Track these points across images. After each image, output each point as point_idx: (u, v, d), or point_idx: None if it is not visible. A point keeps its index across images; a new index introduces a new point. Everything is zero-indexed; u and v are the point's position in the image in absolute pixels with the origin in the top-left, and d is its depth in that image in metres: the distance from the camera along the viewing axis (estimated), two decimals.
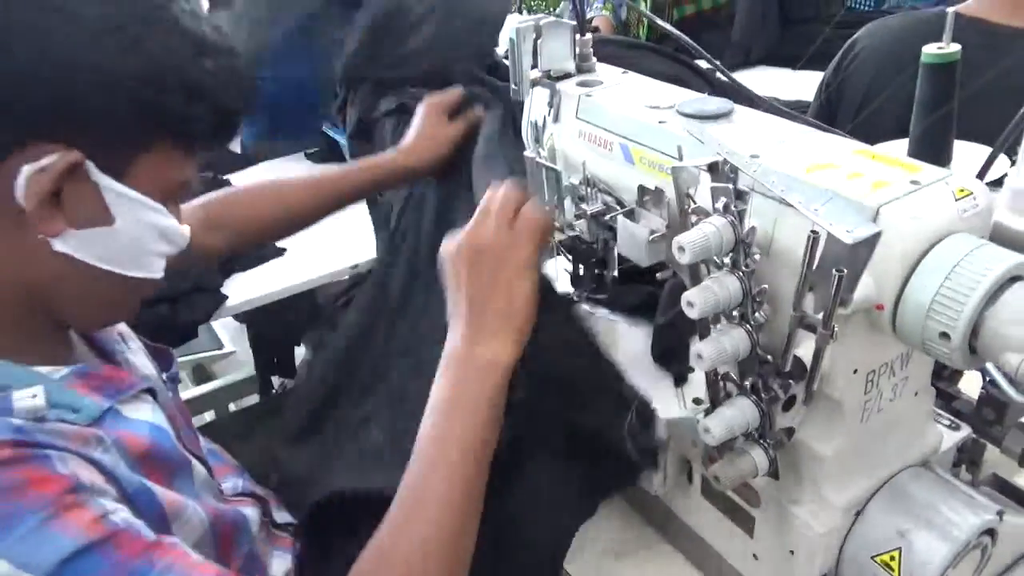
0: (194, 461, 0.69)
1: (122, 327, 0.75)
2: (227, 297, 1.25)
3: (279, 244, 1.40)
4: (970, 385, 0.73)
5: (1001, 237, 0.54)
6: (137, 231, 0.60)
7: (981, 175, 0.63)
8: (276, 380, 1.72)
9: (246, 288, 1.30)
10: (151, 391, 0.68)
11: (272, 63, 1.83)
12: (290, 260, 1.38)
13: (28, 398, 0.56)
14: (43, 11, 0.53)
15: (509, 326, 0.65)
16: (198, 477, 0.68)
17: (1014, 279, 0.48)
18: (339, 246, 1.42)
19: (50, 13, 0.53)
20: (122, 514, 0.54)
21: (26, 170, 0.53)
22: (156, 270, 0.63)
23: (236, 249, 1.01)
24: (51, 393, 0.57)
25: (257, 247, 1.29)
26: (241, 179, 1.62)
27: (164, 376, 0.75)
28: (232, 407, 1.56)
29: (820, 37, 1.66)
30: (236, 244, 0.98)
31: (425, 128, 1.04)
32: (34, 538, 0.49)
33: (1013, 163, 0.65)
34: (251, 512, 0.74)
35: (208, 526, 0.64)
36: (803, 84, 1.79)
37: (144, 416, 0.65)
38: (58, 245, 0.57)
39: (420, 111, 1.06)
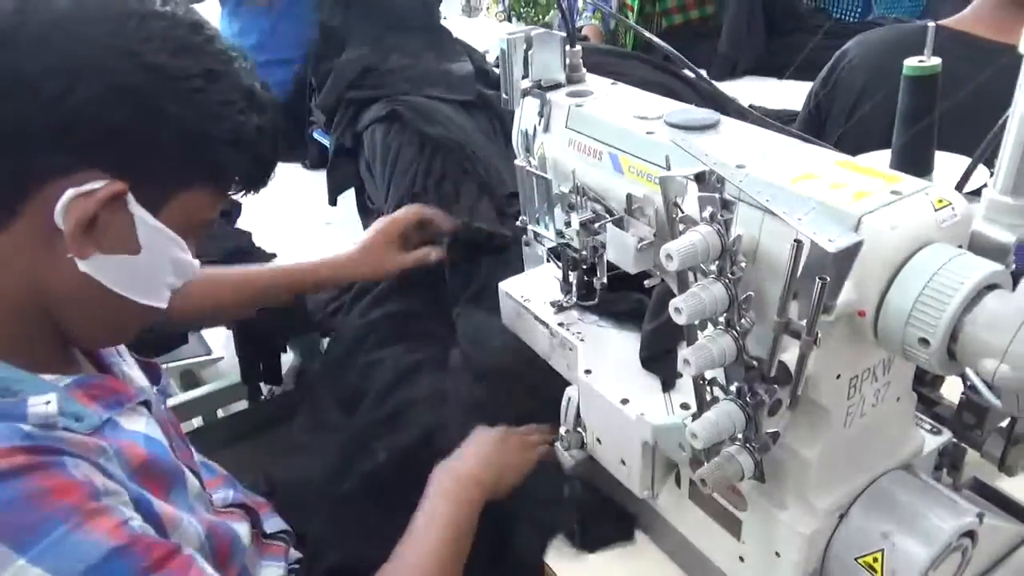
0: (187, 472, 0.69)
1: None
2: None
3: (268, 249, 1.40)
4: (951, 391, 0.74)
5: (979, 246, 0.56)
6: (158, 262, 0.62)
7: (960, 186, 0.65)
8: (265, 387, 1.72)
9: None
10: (146, 403, 0.69)
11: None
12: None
13: (42, 404, 0.57)
14: (114, 53, 0.55)
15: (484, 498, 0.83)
16: (192, 489, 0.69)
17: (991, 287, 0.49)
18: (330, 251, 1.43)
19: (123, 56, 0.55)
20: (136, 521, 0.56)
21: (70, 193, 0.55)
22: (164, 300, 0.65)
23: (157, 326, 1.04)
24: (60, 400, 0.59)
25: (185, 328, 1.29)
26: None
27: (155, 389, 0.76)
28: (220, 413, 1.56)
29: (807, 47, 1.68)
30: (162, 322, 1.00)
31: (371, 248, 1.07)
32: (62, 546, 0.50)
33: (992, 174, 0.67)
34: (242, 527, 0.74)
35: (204, 539, 0.65)
36: (789, 94, 1.81)
37: (139, 427, 0.66)
38: (83, 266, 0.58)
39: (375, 226, 1.09)
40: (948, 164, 0.83)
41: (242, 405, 1.61)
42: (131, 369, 0.74)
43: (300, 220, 1.56)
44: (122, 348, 0.76)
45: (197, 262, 0.67)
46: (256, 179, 0.67)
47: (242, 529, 0.73)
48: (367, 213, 1.42)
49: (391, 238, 1.07)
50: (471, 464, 0.84)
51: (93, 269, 0.59)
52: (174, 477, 0.67)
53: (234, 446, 1.41)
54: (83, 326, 0.64)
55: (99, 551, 0.51)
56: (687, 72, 1.29)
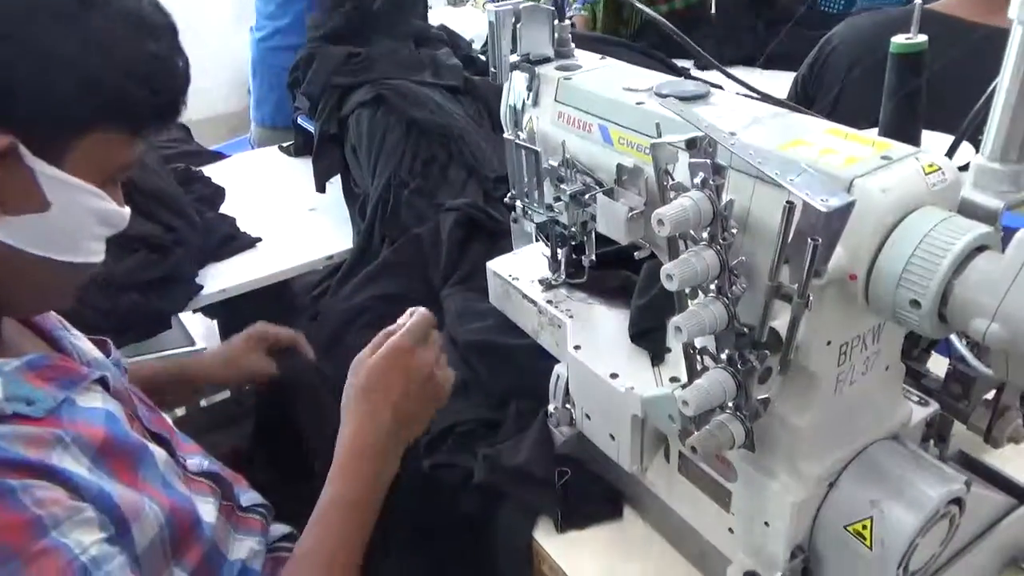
0: (151, 445, 0.67)
1: (56, 315, 0.73)
2: (202, 287, 1.24)
3: (253, 234, 1.39)
4: (938, 366, 0.75)
5: (968, 212, 0.56)
6: (74, 216, 0.58)
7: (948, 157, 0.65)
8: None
9: (220, 279, 1.28)
10: (102, 379, 0.66)
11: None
12: (264, 251, 1.38)
13: None
14: None
15: (409, 441, 0.77)
16: (159, 459, 0.67)
17: (980, 248, 0.50)
18: (314, 237, 1.42)
19: None
20: (93, 550, 0.53)
21: None
22: (94, 254, 0.61)
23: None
24: (6, 385, 0.56)
25: None
26: (213, 172, 1.60)
27: (102, 367, 0.73)
28: (204, 403, 1.55)
29: (780, 34, 1.69)
30: None
31: (234, 351, 1.02)
32: None
33: (978, 151, 0.67)
34: (207, 507, 0.72)
35: (164, 522, 0.63)
36: (771, 84, 1.82)
37: (96, 404, 0.63)
38: None
39: (245, 333, 1.05)
40: (934, 142, 0.83)
41: (225, 395, 1.60)
42: (80, 340, 0.71)
43: (284, 206, 1.55)
44: (66, 322, 0.73)
45: (127, 210, 0.63)
46: (162, 112, 0.60)
47: (207, 508, 0.71)
48: (352, 198, 1.41)
49: (262, 342, 1.03)
50: (371, 437, 0.73)
51: (2, 234, 0.55)
52: (139, 454, 0.64)
53: (216, 434, 1.40)
54: (11, 294, 0.60)
55: None
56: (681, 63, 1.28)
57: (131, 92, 0.57)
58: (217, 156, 1.81)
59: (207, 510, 0.71)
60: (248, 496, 0.81)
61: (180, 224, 1.23)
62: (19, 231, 0.56)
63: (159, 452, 0.68)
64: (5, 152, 0.53)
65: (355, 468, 0.72)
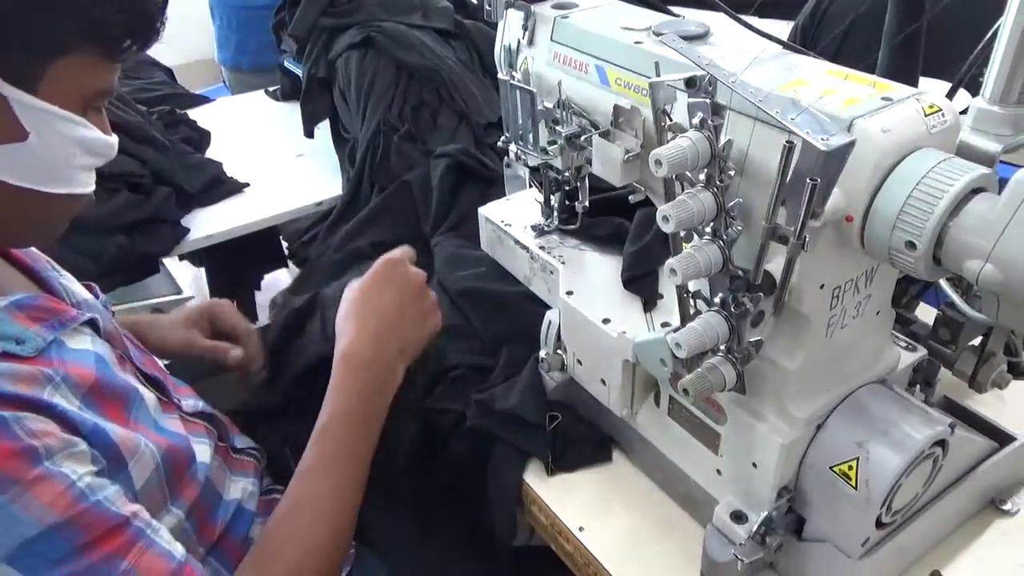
0: (142, 388, 0.67)
1: (47, 257, 0.72)
2: (188, 230, 1.22)
3: (241, 179, 1.37)
4: (927, 316, 0.76)
5: (966, 155, 0.55)
6: (54, 145, 0.57)
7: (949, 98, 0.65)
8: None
9: (207, 224, 1.27)
10: (92, 321, 0.66)
11: None
12: (252, 197, 1.36)
13: None
14: None
15: (412, 353, 0.77)
16: (150, 402, 0.67)
17: (977, 190, 0.50)
18: (302, 183, 1.40)
19: None
20: (87, 478, 0.53)
21: None
22: (82, 184, 0.60)
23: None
24: None
25: None
26: (198, 116, 1.57)
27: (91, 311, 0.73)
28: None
29: None
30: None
31: (178, 324, 0.92)
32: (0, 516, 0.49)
33: (975, 96, 0.67)
34: (203, 447, 0.72)
35: (160, 460, 0.63)
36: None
37: (86, 346, 0.63)
38: None
39: (200, 305, 0.96)
40: (932, 89, 0.82)
41: None
42: (70, 282, 0.71)
43: (272, 151, 1.52)
44: (55, 263, 0.72)
45: (113, 138, 0.61)
46: (138, 31, 0.59)
47: (202, 449, 0.71)
48: (341, 143, 1.38)
49: (202, 322, 0.93)
50: (363, 347, 0.73)
51: None
52: (129, 396, 0.64)
53: (204, 382, 1.40)
54: (2, 231, 0.59)
55: (36, 527, 0.50)
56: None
57: (102, 12, 0.55)
58: (202, 100, 1.78)
59: (202, 450, 0.71)
60: (242, 439, 0.82)
61: (152, 155, 1.20)
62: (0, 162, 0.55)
63: (149, 395, 0.67)
64: None
65: (351, 382, 0.72)
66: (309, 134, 1.46)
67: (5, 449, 0.50)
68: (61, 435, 0.54)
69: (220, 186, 1.33)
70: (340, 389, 0.72)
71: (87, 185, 0.61)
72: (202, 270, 1.76)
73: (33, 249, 0.70)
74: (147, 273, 1.20)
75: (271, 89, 1.75)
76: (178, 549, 0.58)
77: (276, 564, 0.65)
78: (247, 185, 1.36)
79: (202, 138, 1.46)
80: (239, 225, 1.27)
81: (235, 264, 1.61)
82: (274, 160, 1.48)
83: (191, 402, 0.76)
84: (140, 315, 1.00)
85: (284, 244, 1.51)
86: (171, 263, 1.39)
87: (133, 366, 0.69)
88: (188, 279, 1.95)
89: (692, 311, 0.63)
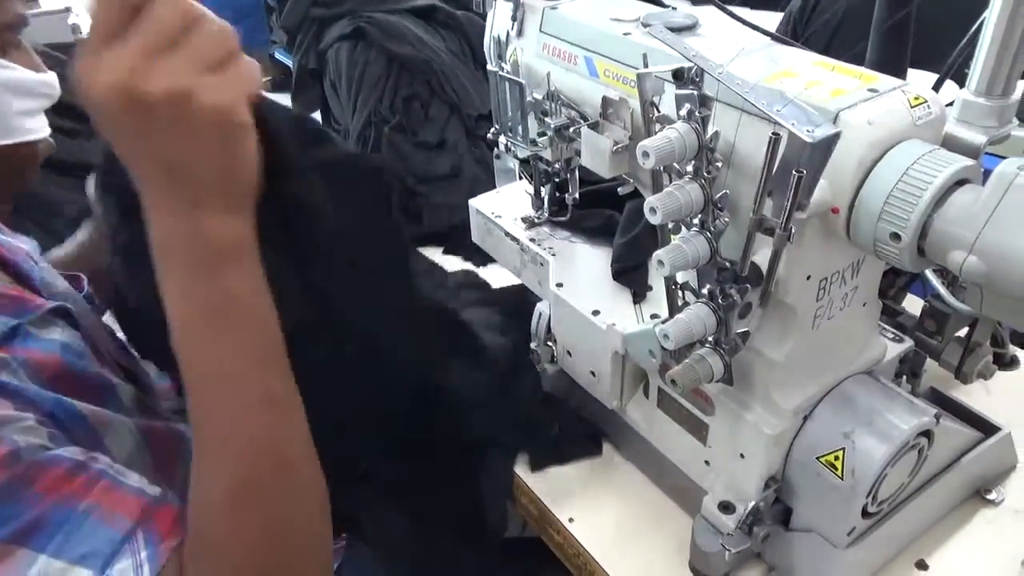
0: (118, 381, 0.64)
1: (30, 249, 0.70)
2: None
3: None
4: (913, 307, 0.76)
5: (951, 147, 0.56)
6: None
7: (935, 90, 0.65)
8: None
9: None
10: (63, 311, 0.63)
11: None
12: None
13: None
14: None
15: (241, 194, 0.48)
16: (125, 396, 0.64)
17: (961, 182, 0.50)
18: None
19: None
20: (35, 441, 0.49)
21: None
22: (30, 131, 0.57)
23: None
24: None
25: None
26: None
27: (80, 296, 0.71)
28: None
29: None
30: None
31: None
32: None
33: (962, 87, 0.67)
34: (187, 429, 0.70)
35: (140, 438, 0.61)
36: (754, 21, 1.80)
37: (54, 336, 0.60)
38: None
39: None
40: (918, 80, 0.83)
41: None
42: (50, 275, 0.68)
43: None
44: (39, 257, 0.70)
45: (47, 75, 0.58)
46: None
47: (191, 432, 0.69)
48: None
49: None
50: (197, 214, 0.47)
51: None
52: (102, 388, 0.61)
53: None
54: None
55: None
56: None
57: None
58: None
59: (190, 435, 0.70)
60: None
61: None
62: None
63: (126, 388, 0.65)
64: None
65: (166, 276, 0.48)
66: None
67: None
68: (11, 412, 0.50)
69: None
70: (164, 286, 0.48)
71: (37, 131, 0.58)
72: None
73: (16, 242, 0.69)
74: None
75: (262, 80, 1.75)
76: (154, 489, 0.51)
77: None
78: None
79: None
80: None
81: None
82: None
83: (170, 403, 0.75)
84: None
85: None
86: None
87: (106, 363, 0.67)
88: None
89: (680, 303, 0.63)
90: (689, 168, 0.56)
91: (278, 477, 0.49)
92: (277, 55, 1.54)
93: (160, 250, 0.47)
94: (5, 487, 0.47)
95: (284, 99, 1.53)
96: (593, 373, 0.79)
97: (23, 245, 0.70)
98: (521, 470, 0.82)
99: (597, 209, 0.89)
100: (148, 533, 0.49)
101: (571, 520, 0.76)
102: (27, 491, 0.47)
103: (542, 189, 0.88)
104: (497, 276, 1.07)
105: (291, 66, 1.44)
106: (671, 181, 0.57)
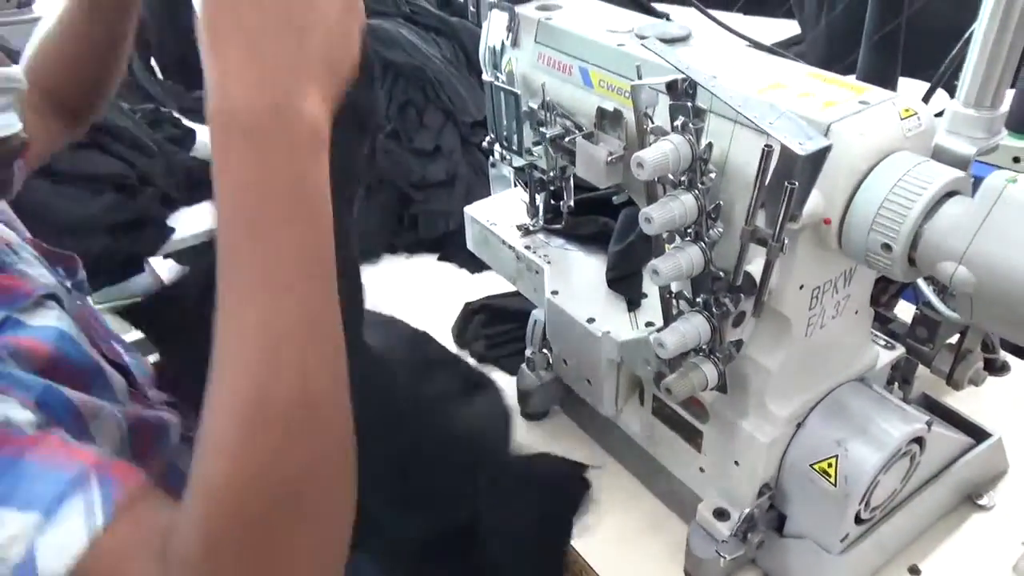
0: (109, 369, 0.63)
1: (11, 237, 0.68)
2: (173, 230, 1.22)
3: None
4: (905, 314, 0.77)
5: (941, 158, 0.56)
6: None
7: (925, 101, 0.66)
8: None
9: (193, 222, 1.27)
10: (54, 297, 0.61)
11: None
12: None
13: None
14: None
15: (330, 73, 0.43)
16: (116, 384, 0.63)
17: (951, 193, 0.51)
18: None
19: None
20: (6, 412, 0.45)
21: None
22: (2, 128, 0.55)
23: (82, 120, 0.84)
24: None
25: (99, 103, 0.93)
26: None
27: (69, 284, 0.70)
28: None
29: None
30: (79, 113, 0.83)
31: None
32: None
33: (953, 97, 0.68)
34: (172, 420, 0.68)
35: (126, 430, 0.59)
36: (751, 28, 1.81)
37: (49, 322, 0.58)
38: None
39: None
40: (910, 88, 0.84)
41: None
42: (30, 267, 0.66)
43: None
44: (18, 243, 0.68)
45: (13, 69, 0.56)
46: None
47: (173, 422, 0.66)
48: None
49: None
50: (232, 93, 0.41)
51: None
52: (91, 373, 0.59)
53: None
54: None
55: None
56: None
57: None
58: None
59: (172, 425, 0.67)
60: None
61: (139, 159, 1.19)
62: None
63: (117, 378, 0.64)
64: None
65: (233, 154, 0.41)
66: None
67: None
68: None
69: (205, 185, 1.32)
70: (222, 169, 0.41)
71: (6, 127, 0.56)
72: (187, 269, 1.75)
73: None
74: (132, 273, 1.20)
75: None
76: (108, 451, 0.48)
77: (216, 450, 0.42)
78: None
79: (186, 136, 1.45)
80: None
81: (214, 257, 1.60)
82: None
83: (155, 392, 0.74)
84: None
85: None
86: (156, 261, 1.38)
87: (99, 350, 0.67)
88: (173, 276, 1.95)
89: (675, 311, 0.64)
90: (683, 178, 0.57)
91: (301, 408, 0.41)
92: None
93: (229, 126, 0.40)
94: None
95: None
96: (588, 381, 0.80)
97: (4, 237, 0.68)
98: None
99: (592, 217, 0.89)
100: (103, 476, 0.43)
101: None
102: None
103: (537, 197, 0.88)
104: (492, 283, 1.07)
105: None
106: (665, 191, 0.58)
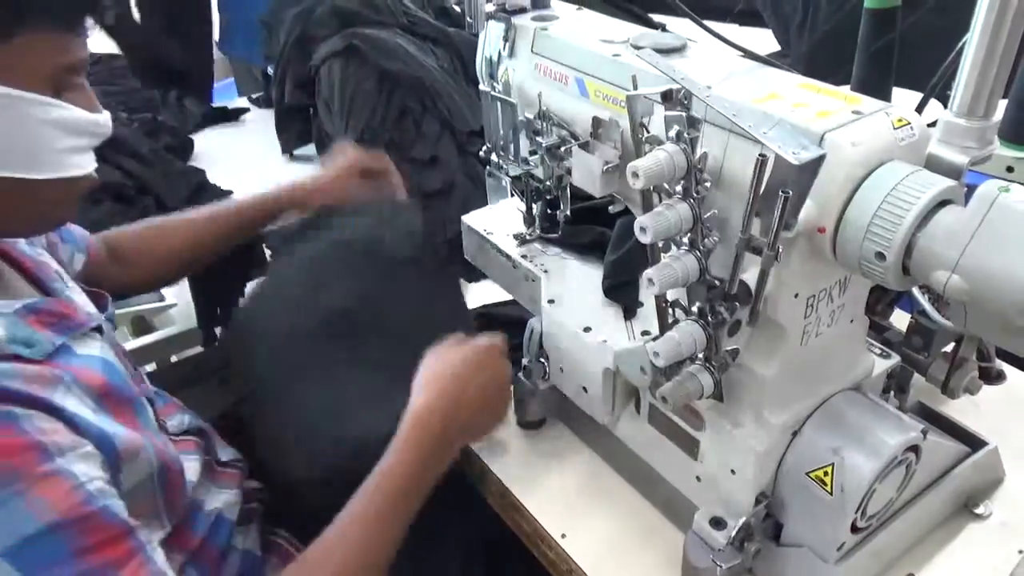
0: (143, 399, 0.67)
1: (57, 267, 0.72)
2: None
3: (224, 187, 1.36)
4: (900, 322, 0.77)
5: (934, 168, 0.57)
6: (28, 129, 0.56)
7: (918, 111, 0.66)
8: (219, 331, 1.69)
9: None
10: (99, 329, 0.66)
11: None
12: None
13: None
14: None
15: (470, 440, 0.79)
16: (149, 415, 0.67)
17: (944, 202, 0.51)
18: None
19: None
20: (97, 483, 0.53)
21: None
22: (75, 167, 0.59)
23: (136, 285, 0.98)
24: (7, 326, 0.55)
25: (155, 285, 1.15)
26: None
27: (102, 316, 0.73)
28: (174, 359, 1.53)
29: None
30: (138, 278, 0.96)
31: (324, 174, 0.99)
32: (3, 508, 0.48)
33: (946, 107, 0.68)
34: (192, 463, 0.72)
35: (156, 468, 0.63)
36: (745, 39, 1.82)
37: (94, 352, 0.63)
38: None
39: (339, 153, 1.01)
40: (904, 99, 0.84)
41: (196, 351, 1.59)
42: (76, 295, 0.71)
43: (256, 158, 1.52)
44: (65, 276, 0.73)
45: (101, 115, 0.60)
46: (81, 2, 0.57)
47: (191, 466, 0.71)
48: (324, 149, 1.39)
49: (346, 168, 0.99)
50: (435, 417, 0.70)
51: None
52: (136, 403, 0.64)
53: (188, 389, 1.39)
54: (1, 223, 0.59)
55: (36, 524, 0.48)
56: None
57: None
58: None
59: (191, 467, 0.71)
60: (226, 451, 0.82)
61: (137, 168, 1.20)
62: None
63: (147, 408, 0.68)
64: None
65: (415, 444, 0.69)
66: (287, 151, 1.47)
67: (15, 444, 0.50)
68: (70, 436, 0.53)
69: (203, 194, 1.32)
70: (403, 447, 0.69)
71: (82, 167, 0.60)
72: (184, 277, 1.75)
73: (42, 259, 0.71)
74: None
75: (254, 96, 1.75)
76: (171, 574, 0.57)
77: None
78: (230, 192, 1.35)
79: (184, 146, 1.46)
80: None
81: (219, 272, 1.60)
82: (257, 167, 1.48)
83: (176, 420, 0.76)
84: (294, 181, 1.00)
85: (267, 252, 1.50)
86: None
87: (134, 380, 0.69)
88: (172, 288, 1.94)
89: (671, 320, 0.64)
90: (678, 188, 0.57)
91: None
92: (270, 71, 1.55)
93: (420, 428, 0.70)
94: (66, 526, 0.49)
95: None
96: (585, 389, 0.80)
97: (52, 263, 0.71)
98: (512, 485, 0.82)
99: (588, 226, 0.89)
100: None
101: (563, 536, 0.76)
102: (81, 541, 0.50)
103: (533, 206, 0.89)
104: (489, 292, 1.07)
105: None
106: (661, 200, 0.58)
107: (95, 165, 0.62)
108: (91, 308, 0.72)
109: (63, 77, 0.58)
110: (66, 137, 0.58)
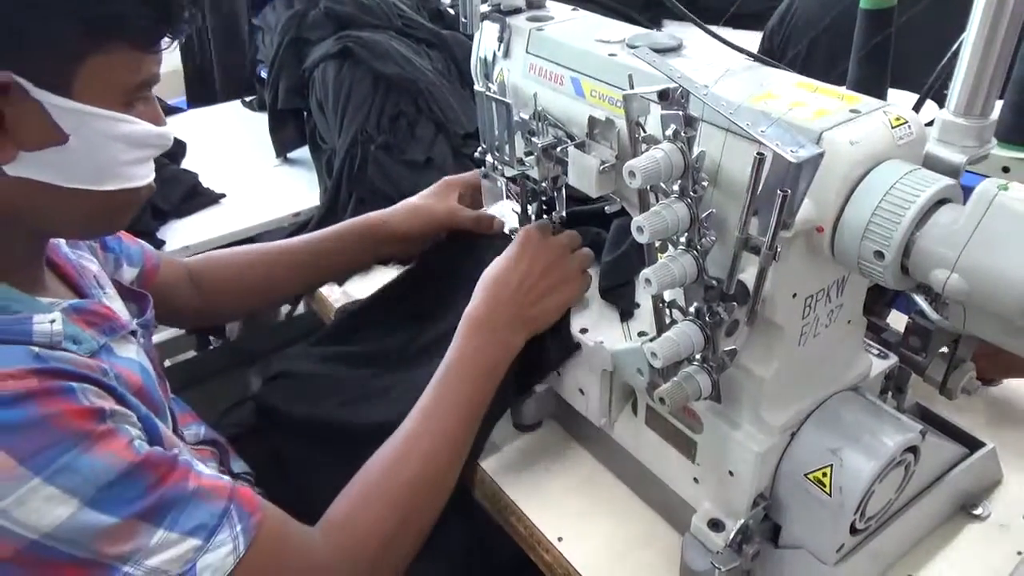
0: (167, 406, 0.70)
1: (97, 271, 0.74)
2: (164, 243, 1.21)
3: (217, 190, 1.36)
4: (898, 323, 0.77)
5: (931, 167, 0.57)
6: (97, 144, 0.57)
7: (915, 111, 0.66)
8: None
9: (183, 235, 1.26)
10: (134, 333, 0.68)
11: None
12: (229, 207, 1.35)
13: (47, 323, 0.56)
14: None
15: (534, 325, 0.77)
16: (169, 422, 0.69)
17: (943, 201, 0.51)
18: (280, 193, 1.39)
19: None
20: (138, 441, 0.57)
21: None
22: (137, 177, 0.61)
23: (211, 313, 1.00)
24: (61, 321, 0.58)
25: (233, 315, 1.22)
26: (173, 125, 1.55)
27: (136, 322, 0.74)
28: (167, 364, 1.53)
29: None
30: (214, 306, 0.97)
31: (422, 199, 1.00)
32: (76, 465, 0.51)
33: (942, 107, 0.68)
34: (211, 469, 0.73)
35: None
36: (737, 41, 1.82)
37: (131, 355, 0.65)
38: (12, 170, 0.55)
39: (444, 180, 1.03)
40: (900, 100, 0.84)
41: (190, 356, 1.58)
42: (112, 301, 0.72)
43: (248, 161, 1.51)
44: (103, 278, 0.74)
45: (164, 129, 0.62)
46: (164, 18, 0.58)
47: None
48: (318, 153, 1.38)
49: (446, 191, 1.00)
50: (478, 310, 0.76)
51: (27, 170, 0.55)
52: (162, 410, 0.67)
53: (191, 391, 1.39)
54: (57, 227, 0.62)
55: (111, 471, 0.53)
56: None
57: (123, 6, 0.55)
58: (175, 110, 1.77)
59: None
60: (238, 463, 0.82)
61: None
62: (41, 166, 0.56)
63: (168, 417, 0.70)
64: (6, 87, 0.52)
65: (466, 339, 0.75)
66: (280, 155, 1.46)
67: (75, 410, 0.53)
68: (118, 406, 0.57)
69: (196, 197, 1.32)
70: (457, 344, 0.75)
71: (143, 178, 0.61)
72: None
73: (84, 265, 0.72)
74: None
75: (247, 99, 1.74)
76: (223, 477, 0.61)
77: (372, 496, 0.68)
78: (223, 196, 1.35)
79: (176, 149, 1.45)
80: (216, 236, 1.26)
81: None
82: (251, 170, 1.48)
83: (193, 430, 0.77)
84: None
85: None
86: None
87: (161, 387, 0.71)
88: None
89: (668, 320, 0.63)
90: (675, 187, 0.57)
91: (439, 484, 0.72)
92: (262, 74, 1.54)
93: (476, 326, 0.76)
94: (134, 469, 0.54)
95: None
96: (581, 391, 0.79)
97: (91, 267, 0.72)
98: (508, 487, 0.82)
99: (584, 227, 0.89)
100: (239, 509, 0.59)
101: (560, 539, 0.76)
102: (150, 477, 0.55)
103: (529, 207, 0.88)
104: None
105: None
106: (657, 200, 0.58)
107: (154, 175, 0.63)
108: (126, 315, 0.73)
109: (136, 91, 0.59)
110: (132, 150, 0.59)
